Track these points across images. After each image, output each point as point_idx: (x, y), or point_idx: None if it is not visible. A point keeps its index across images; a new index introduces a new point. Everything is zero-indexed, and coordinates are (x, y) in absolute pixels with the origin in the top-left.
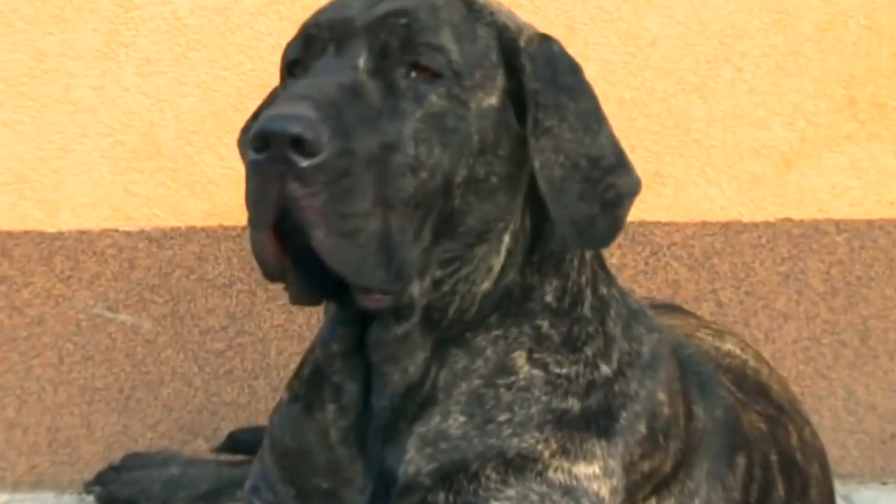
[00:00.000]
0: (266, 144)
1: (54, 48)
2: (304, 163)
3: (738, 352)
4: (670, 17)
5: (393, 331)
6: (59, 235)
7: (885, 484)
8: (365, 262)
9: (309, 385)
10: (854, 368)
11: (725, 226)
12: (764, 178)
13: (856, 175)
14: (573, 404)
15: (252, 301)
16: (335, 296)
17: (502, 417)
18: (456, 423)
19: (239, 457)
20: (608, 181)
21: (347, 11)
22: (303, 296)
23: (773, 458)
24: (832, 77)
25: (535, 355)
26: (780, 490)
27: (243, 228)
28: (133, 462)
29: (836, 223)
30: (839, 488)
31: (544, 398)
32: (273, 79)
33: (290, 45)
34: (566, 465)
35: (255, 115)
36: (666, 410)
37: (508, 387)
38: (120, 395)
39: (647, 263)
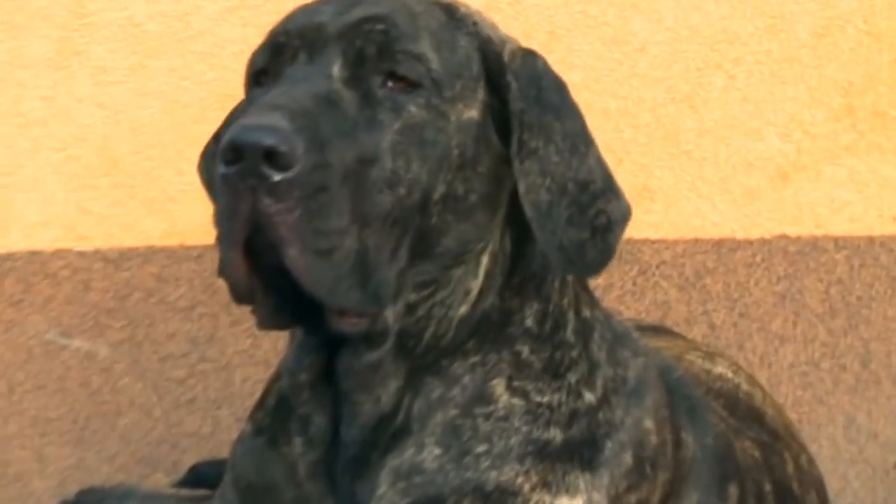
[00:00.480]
0: (237, 157)
1: (2, 56)
2: (278, 176)
3: (730, 375)
4: (659, 23)
5: (365, 358)
6: (9, 256)
7: None
8: (341, 281)
9: (274, 416)
10: (855, 394)
11: (718, 243)
12: (758, 192)
13: (855, 189)
14: (555, 434)
15: (215, 325)
16: (306, 320)
17: (480, 449)
18: (431, 455)
19: (201, 491)
20: (598, 206)
21: (319, 17)
22: (272, 319)
23: (768, 487)
24: (830, 85)
25: (515, 383)
26: None
27: (205, 248)
28: (88, 497)
29: (835, 240)
30: None
31: (524, 428)
32: (237, 89)
33: (256, 54)
34: (547, 499)
35: (217, 136)
36: (653, 439)
37: (486, 416)
38: (74, 427)
39: (634, 283)
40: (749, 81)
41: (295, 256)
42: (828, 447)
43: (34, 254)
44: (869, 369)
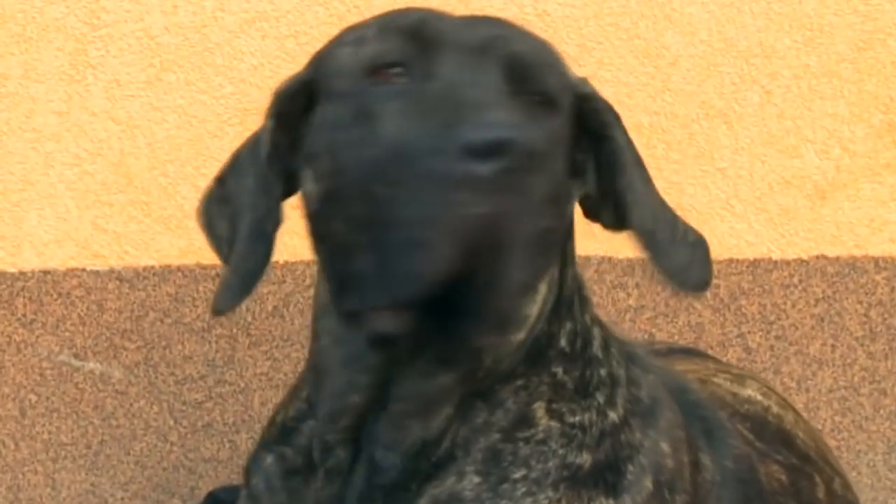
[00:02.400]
0: (495, 153)
1: (15, 70)
2: (527, 178)
3: (759, 398)
4: (692, 35)
5: (438, 380)
6: (21, 276)
7: None
8: (519, 296)
9: (303, 452)
10: (895, 420)
11: (754, 263)
12: (796, 211)
13: None
14: (586, 458)
15: (233, 347)
16: (433, 333)
17: (518, 475)
18: (470, 484)
19: None
20: (680, 225)
21: (463, 27)
22: (397, 326)
23: None
24: (870, 100)
25: (554, 405)
26: None
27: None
28: None
29: (876, 260)
30: None
31: (560, 451)
32: (256, 103)
33: (374, 48)
34: None
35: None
36: (670, 462)
37: (527, 440)
38: (88, 451)
39: (667, 305)
40: (786, 97)
41: (515, 266)
42: (868, 474)
43: (46, 273)
44: None
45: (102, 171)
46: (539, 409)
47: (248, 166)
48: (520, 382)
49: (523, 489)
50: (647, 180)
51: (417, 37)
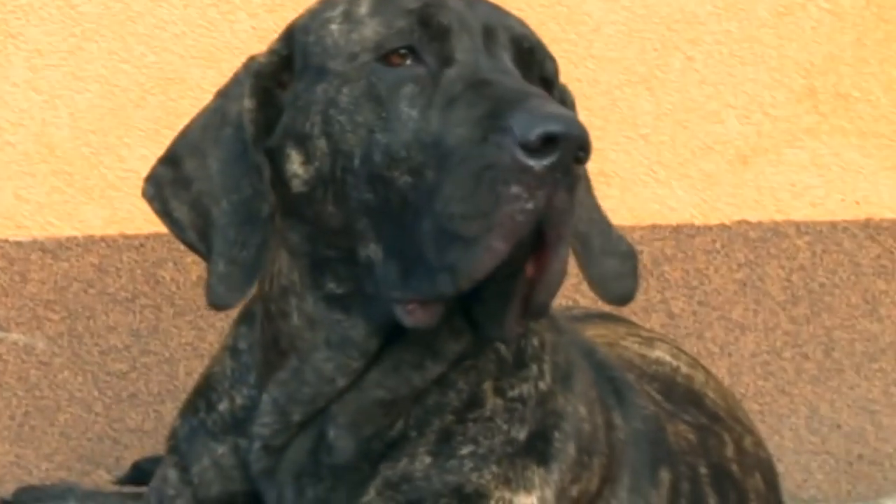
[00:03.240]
0: (553, 148)
1: None
2: (579, 172)
3: (668, 359)
4: (614, 2)
5: (424, 371)
6: None
7: None
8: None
9: (234, 421)
10: (817, 384)
11: (676, 229)
12: (718, 176)
13: (817, 172)
14: (525, 431)
15: (157, 317)
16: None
17: (465, 451)
18: (422, 465)
19: (144, 489)
20: (614, 233)
21: (473, 11)
22: (433, 318)
23: (703, 470)
24: (791, 66)
25: (498, 383)
26: None
27: (146, 237)
28: (27, 496)
29: (797, 225)
30: None
31: (504, 427)
32: (178, 71)
33: (391, 29)
34: (507, 495)
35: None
36: (587, 426)
37: (475, 420)
38: (12, 423)
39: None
40: (707, 62)
41: (562, 258)
42: (790, 438)
43: None
44: (832, 358)
45: (24, 142)
46: (488, 388)
47: (213, 146)
48: (469, 363)
49: (470, 465)
50: (588, 185)
51: (425, 21)
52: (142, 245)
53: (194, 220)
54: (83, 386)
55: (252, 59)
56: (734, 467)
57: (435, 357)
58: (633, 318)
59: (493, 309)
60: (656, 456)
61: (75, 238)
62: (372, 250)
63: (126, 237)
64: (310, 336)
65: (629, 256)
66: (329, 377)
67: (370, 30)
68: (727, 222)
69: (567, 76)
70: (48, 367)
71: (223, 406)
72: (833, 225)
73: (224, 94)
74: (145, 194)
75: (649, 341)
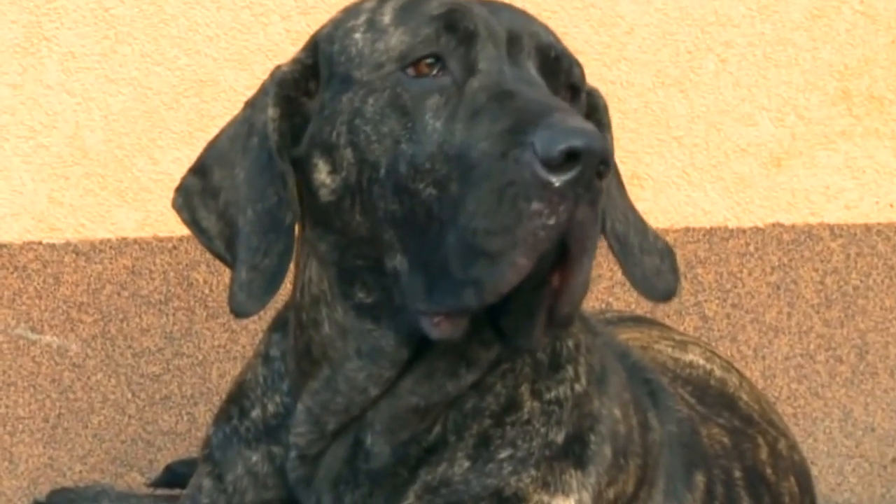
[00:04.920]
0: (575, 163)
1: None
2: (601, 185)
3: (701, 362)
4: (648, 4)
5: (459, 380)
6: None
7: None
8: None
9: (266, 428)
10: (851, 387)
11: (710, 232)
12: (751, 179)
13: (851, 175)
14: (562, 434)
15: (190, 320)
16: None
17: (504, 454)
18: (461, 469)
19: (177, 491)
20: (651, 231)
21: (498, 19)
22: (458, 331)
23: (737, 474)
24: (824, 68)
25: (536, 385)
26: None
27: (179, 240)
28: (60, 498)
29: (831, 228)
30: None
31: (542, 430)
32: (211, 74)
33: (415, 38)
34: (546, 499)
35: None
36: (622, 428)
37: (513, 423)
38: (45, 425)
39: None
40: (741, 65)
41: (586, 271)
42: (824, 441)
43: (2, 246)
44: (866, 361)
45: (57, 144)
46: (525, 391)
47: (240, 156)
48: (506, 366)
49: (509, 468)
50: (621, 185)
51: (451, 27)
52: (175, 247)
53: (221, 229)
54: (116, 388)
55: (278, 68)
56: (768, 471)
57: (468, 365)
58: (667, 321)
59: (519, 319)
60: (691, 459)
61: (108, 240)
62: (398, 261)
63: (159, 239)
64: (341, 345)
65: (667, 253)
66: (361, 387)
67: (395, 39)
68: (761, 225)
69: (600, 78)
70: (81, 369)
71: (256, 413)
72: (867, 228)
73: (252, 105)
74: (174, 204)
75: (682, 344)
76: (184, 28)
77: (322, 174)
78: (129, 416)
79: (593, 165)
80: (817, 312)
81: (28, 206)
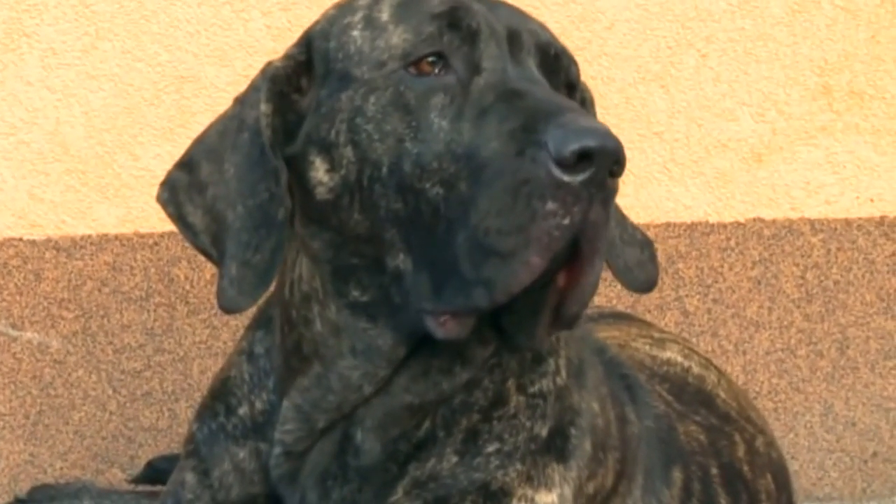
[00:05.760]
0: (588, 164)
1: None
2: (614, 185)
3: (679, 360)
4: (628, 0)
5: (454, 378)
6: None
7: None
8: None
9: (253, 424)
10: (832, 381)
11: (691, 227)
12: (732, 174)
13: (832, 170)
14: (546, 427)
15: (171, 316)
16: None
17: (491, 448)
18: (449, 463)
19: (159, 487)
20: (629, 224)
21: (499, 17)
22: (464, 330)
23: (714, 471)
24: (805, 63)
25: (521, 379)
26: None
27: (160, 236)
28: (41, 494)
29: (812, 223)
30: None
31: (527, 423)
32: (192, 70)
33: (417, 35)
34: (530, 493)
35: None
36: (600, 422)
37: (500, 418)
38: (26, 421)
39: (605, 269)
40: (722, 60)
41: (597, 271)
42: (805, 436)
43: None
44: (846, 356)
45: (38, 141)
46: (511, 385)
47: (230, 152)
48: (493, 361)
49: (496, 462)
50: None
51: (454, 25)
52: (156, 244)
53: (208, 224)
54: (97, 384)
55: (269, 64)
56: (745, 468)
57: (464, 363)
58: (648, 316)
59: (522, 319)
60: (668, 455)
61: (89, 237)
62: (401, 260)
63: (140, 236)
64: (334, 343)
65: (647, 244)
66: (356, 385)
67: (397, 37)
68: (741, 220)
69: (581, 74)
70: (62, 365)
71: (244, 411)
72: (847, 222)
73: (241, 101)
74: (160, 198)
75: (660, 342)
76: (164, 24)
77: (319, 172)
78: (110, 413)
79: (607, 165)
80: (798, 307)
81: (8, 203)
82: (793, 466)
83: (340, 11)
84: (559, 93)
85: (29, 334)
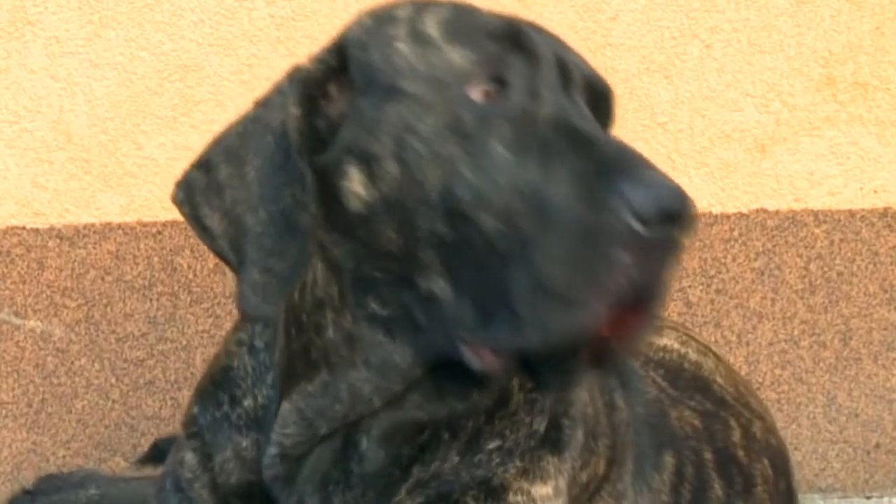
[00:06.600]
0: (667, 220)
1: None
2: (685, 241)
3: (675, 346)
4: None
5: (469, 401)
6: None
7: (868, 498)
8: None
9: (256, 418)
10: (835, 372)
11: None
12: (736, 165)
13: (835, 161)
14: (544, 421)
15: (174, 304)
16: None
17: (492, 445)
18: (451, 463)
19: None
20: None
21: (555, 50)
22: (504, 368)
23: (708, 455)
24: (809, 54)
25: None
26: (718, 489)
27: (164, 225)
28: (47, 485)
29: (815, 214)
30: (820, 503)
31: (527, 419)
32: (195, 59)
33: (489, 58)
34: (525, 486)
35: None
36: (590, 410)
37: (502, 417)
38: (29, 410)
39: None
40: (726, 51)
41: (654, 322)
42: (808, 427)
43: None
44: (850, 347)
45: (42, 129)
46: (515, 384)
47: (252, 155)
48: None
49: (497, 459)
50: None
51: (518, 47)
52: (159, 232)
53: (226, 228)
54: (100, 373)
55: (297, 68)
56: (740, 453)
57: (482, 390)
58: None
59: (560, 362)
60: (660, 440)
61: (92, 225)
62: (436, 284)
63: (143, 225)
64: (347, 353)
65: None
66: (366, 398)
67: (456, 56)
68: (745, 211)
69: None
70: (65, 354)
71: (248, 403)
72: (851, 214)
73: (264, 103)
74: (175, 199)
75: (657, 329)
76: (168, 13)
77: (353, 183)
78: (113, 401)
79: (683, 223)
80: (801, 298)
81: (12, 191)
82: (795, 457)
83: (377, 21)
84: (605, 132)
85: (32, 323)
